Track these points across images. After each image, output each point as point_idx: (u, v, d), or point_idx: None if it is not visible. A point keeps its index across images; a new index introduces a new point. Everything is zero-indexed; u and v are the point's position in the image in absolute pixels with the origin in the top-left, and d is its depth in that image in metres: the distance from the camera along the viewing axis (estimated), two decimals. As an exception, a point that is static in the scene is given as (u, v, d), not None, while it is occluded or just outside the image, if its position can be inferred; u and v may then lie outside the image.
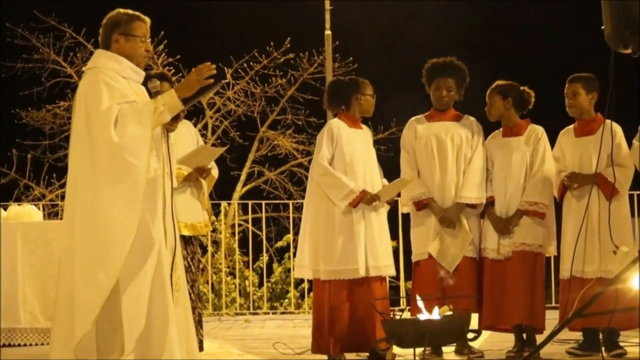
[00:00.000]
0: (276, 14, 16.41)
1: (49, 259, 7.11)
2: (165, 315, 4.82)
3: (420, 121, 6.81)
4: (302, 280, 12.02)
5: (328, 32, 14.91)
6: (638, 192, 10.00)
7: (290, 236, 12.20)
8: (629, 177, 6.51)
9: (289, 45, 15.69)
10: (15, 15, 15.09)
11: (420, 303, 6.04)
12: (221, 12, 16.58)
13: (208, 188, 6.84)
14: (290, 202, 12.16)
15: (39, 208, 8.16)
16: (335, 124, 6.57)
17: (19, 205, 7.95)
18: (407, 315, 6.56)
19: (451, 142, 6.67)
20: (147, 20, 5.10)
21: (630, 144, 6.48)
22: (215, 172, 6.88)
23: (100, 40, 5.10)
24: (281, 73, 15.91)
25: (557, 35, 18.19)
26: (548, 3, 17.33)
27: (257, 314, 11.54)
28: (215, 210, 12.09)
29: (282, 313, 12.11)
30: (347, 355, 6.46)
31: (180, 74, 14.62)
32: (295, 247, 6.86)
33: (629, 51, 4.87)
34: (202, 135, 13.80)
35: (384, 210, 6.62)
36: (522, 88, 6.73)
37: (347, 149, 6.50)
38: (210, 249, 11.88)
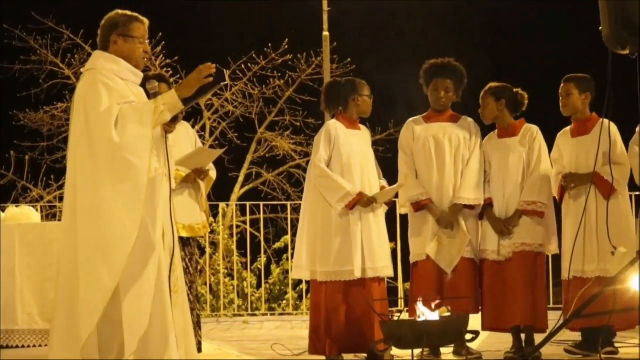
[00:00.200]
0: (274, 16, 16.40)
1: (47, 260, 7.08)
2: (163, 317, 4.81)
3: (418, 122, 6.80)
4: (300, 282, 12.00)
5: (326, 33, 14.88)
6: (637, 193, 9.98)
7: (288, 237, 12.20)
8: (626, 174, 6.49)
9: (287, 47, 15.70)
10: (13, 16, 15.08)
11: (418, 304, 6.04)
12: (219, 14, 16.57)
13: (206, 189, 6.84)
14: (288, 203, 12.14)
15: (37, 210, 8.16)
16: (333, 125, 6.56)
17: (17, 206, 7.92)
18: (405, 316, 6.56)
19: (449, 143, 6.66)
20: (146, 21, 5.09)
21: (627, 145, 6.48)
22: (213, 174, 6.87)
23: (98, 41, 5.09)
24: (279, 74, 15.93)
25: (556, 36, 18.15)
26: (547, 3, 17.30)
27: (255, 315, 11.54)
28: (214, 211, 12.08)
29: (281, 314, 12.10)
30: (345, 357, 6.45)
31: (178, 75, 14.63)
32: (293, 249, 6.85)
33: (626, 52, 4.86)
34: (200, 136, 13.81)
35: (381, 211, 6.61)
36: (515, 90, 6.72)
37: (344, 150, 6.49)
38: (208, 250, 11.86)
